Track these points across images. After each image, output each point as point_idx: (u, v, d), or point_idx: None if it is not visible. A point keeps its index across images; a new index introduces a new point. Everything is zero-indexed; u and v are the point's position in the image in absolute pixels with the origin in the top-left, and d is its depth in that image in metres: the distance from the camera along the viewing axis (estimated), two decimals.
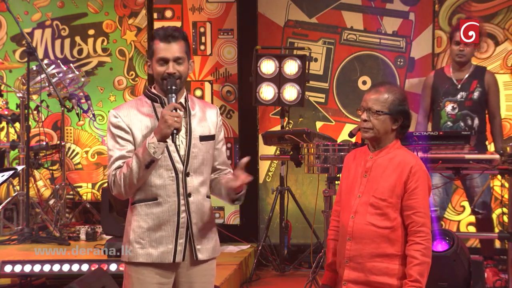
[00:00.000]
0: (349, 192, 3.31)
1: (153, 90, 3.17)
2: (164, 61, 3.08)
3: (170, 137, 2.97)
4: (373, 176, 3.26)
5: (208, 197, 3.22)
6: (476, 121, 5.69)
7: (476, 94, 5.67)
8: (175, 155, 3.09)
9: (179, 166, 3.09)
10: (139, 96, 3.24)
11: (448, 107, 5.66)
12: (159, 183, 3.07)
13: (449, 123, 5.70)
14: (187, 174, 3.10)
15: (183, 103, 3.15)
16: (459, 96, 5.67)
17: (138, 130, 3.07)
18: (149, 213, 3.08)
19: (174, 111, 2.97)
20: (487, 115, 5.83)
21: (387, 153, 3.28)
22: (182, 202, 3.09)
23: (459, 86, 5.69)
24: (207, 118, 3.21)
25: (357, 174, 3.31)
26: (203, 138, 3.16)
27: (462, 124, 5.65)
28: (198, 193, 3.13)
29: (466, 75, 5.72)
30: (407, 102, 3.30)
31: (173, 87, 3.05)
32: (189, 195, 3.10)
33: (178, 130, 2.97)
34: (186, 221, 3.10)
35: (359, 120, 3.31)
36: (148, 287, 3.09)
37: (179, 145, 3.10)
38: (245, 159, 3.10)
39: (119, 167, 3.04)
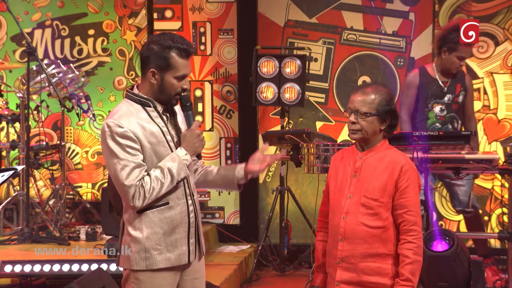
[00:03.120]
0: (339, 192, 3.31)
1: (141, 94, 3.09)
2: (184, 77, 3.06)
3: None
4: (363, 176, 3.26)
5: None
6: (460, 124, 5.70)
7: (460, 98, 5.67)
8: None
9: None
10: (123, 101, 3.13)
11: (437, 109, 5.64)
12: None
13: (437, 124, 5.69)
14: None
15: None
16: (446, 99, 5.64)
17: (144, 137, 3.02)
18: (162, 218, 3.06)
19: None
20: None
21: (376, 152, 3.28)
22: (189, 202, 3.11)
23: (445, 88, 5.67)
24: (179, 116, 3.21)
25: (346, 174, 3.31)
26: None
27: (450, 126, 5.65)
28: (195, 191, 3.18)
29: (450, 78, 5.69)
30: (394, 101, 3.32)
31: (189, 104, 3.09)
32: (192, 194, 3.13)
33: None
34: (195, 220, 3.12)
35: None
36: None
37: (175, 146, 3.10)
38: (265, 146, 3.33)
39: (142, 177, 2.97)
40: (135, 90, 3.10)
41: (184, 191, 3.09)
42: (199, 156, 3.08)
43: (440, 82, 5.65)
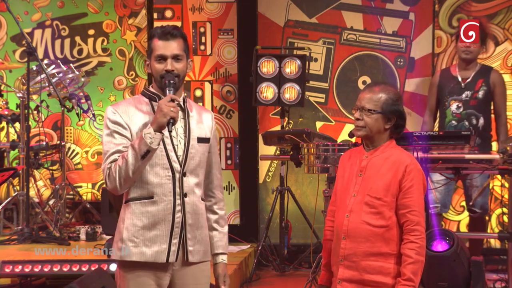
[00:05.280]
0: (344, 191, 3.32)
1: (151, 89, 3.17)
2: (163, 58, 3.08)
3: (167, 127, 2.97)
4: (368, 175, 3.27)
5: (203, 200, 3.20)
6: (482, 121, 5.70)
7: (481, 93, 5.68)
8: (172, 154, 3.08)
9: (176, 165, 3.08)
10: (137, 95, 3.23)
11: (453, 106, 5.67)
12: (155, 182, 3.06)
13: (453, 122, 5.71)
14: (183, 174, 3.09)
15: (182, 104, 3.16)
16: (464, 95, 5.67)
17: (136, 127, 3.06)
18: (144, 212, 3.06)
19: (171, 102, 2.99)
20: (492, 115, 5.83)
21: (382, 152, 3.29)
22: (178, 201, 3.07)
23: (463, 85, 5.69)
24: (203, 121, 3.21)
25: (352, 173, 3.32)
26: (200, 140, 3.16)
27: (466, 123, 5.66)
28: (193, 194, 3.12)
29: (472, 74, 5.72)
30: (401, 102, 3.32)
31: (171, 81, 3.07)
32: (185, 195, 3.09)
33: (174, 120, 2.97)
34: (181, 221, 3.08)
35: None
36: None
37: (177, 144, 3.09)
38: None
39: (115, 160, 3.02)
40: (150, 87, 3.19)
41: (173, 189, 3.06)
42: (169, 128, 2.96)
43: (460, 79, 5.68)
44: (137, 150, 2.95)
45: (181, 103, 3.15)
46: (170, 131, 3.00)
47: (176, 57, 3.09)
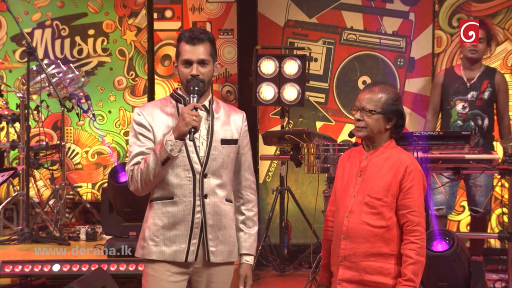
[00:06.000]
0: (344, 191, 3.32)
1: (178, 91, 3.21)
2: (189, 63, 3.12)
3: (188, 135, 3.00)
4: (368, 176, 3.27)
5: (228, 201, 3.22)
6: (486, 121, 5.70)
7: (486, 94, 5.68)
8: (193, 155, 3.11)
9: (197, 166, 3.11)
10: (166, 96, 3.28)
11: (459, 106, 5.67)
12: (176, 182, 3.10)
13: (459, 122, 5.71)
14: (204, 175, 3.12)
15: (207, 105, 3.18)
16: (469, 96, 5.68)
17: (160, 129, 3.11)
18: (164, 212, 3.12)
19: (194, 110, 3.01)
20: (495, 116, 5.84)
21: (382, 152, 3.29)
22: (197, 202, 3.11)
23: (469, 85, 5.69)
24: (231, 122, 3.23)
25: (352, 173, 3.32)
26: (224, 142, 3.18)
27: (472, 123, 5.66)
28: (215, 195, 3.14)
29: (477, 75, 5.73)
30: (401, 101, 3.33)
31: (195, 88, 3.09)
32: (205, 196, 3.12)
33: (196, 129, 3.00)
34: (201, 221, 3.12)
35: None
36: (162, 284, 3.12)
37: (199, 146, 3.13)
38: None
39: (138, 162, 3.08)
40: (178, 89, 3.22)
41: (193, 190, 3.10)
42: (190, 136, 3.01)
43: (465, 79, 5.69)
44: (158, 156, 3.02)
45: (207, 105, 3.18)
46: (190, 140, 3.03)
47: (202, 62, 3.13)
